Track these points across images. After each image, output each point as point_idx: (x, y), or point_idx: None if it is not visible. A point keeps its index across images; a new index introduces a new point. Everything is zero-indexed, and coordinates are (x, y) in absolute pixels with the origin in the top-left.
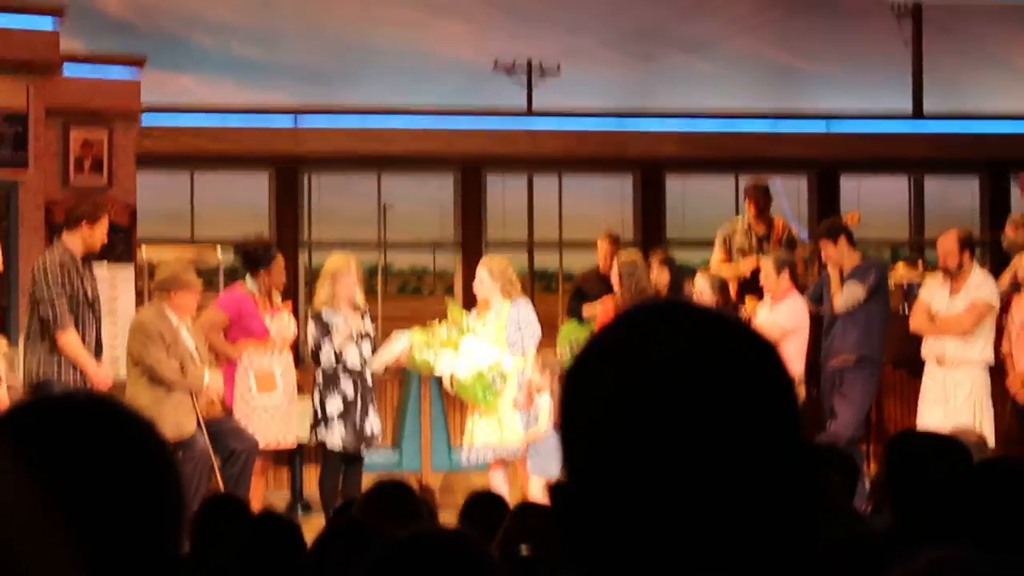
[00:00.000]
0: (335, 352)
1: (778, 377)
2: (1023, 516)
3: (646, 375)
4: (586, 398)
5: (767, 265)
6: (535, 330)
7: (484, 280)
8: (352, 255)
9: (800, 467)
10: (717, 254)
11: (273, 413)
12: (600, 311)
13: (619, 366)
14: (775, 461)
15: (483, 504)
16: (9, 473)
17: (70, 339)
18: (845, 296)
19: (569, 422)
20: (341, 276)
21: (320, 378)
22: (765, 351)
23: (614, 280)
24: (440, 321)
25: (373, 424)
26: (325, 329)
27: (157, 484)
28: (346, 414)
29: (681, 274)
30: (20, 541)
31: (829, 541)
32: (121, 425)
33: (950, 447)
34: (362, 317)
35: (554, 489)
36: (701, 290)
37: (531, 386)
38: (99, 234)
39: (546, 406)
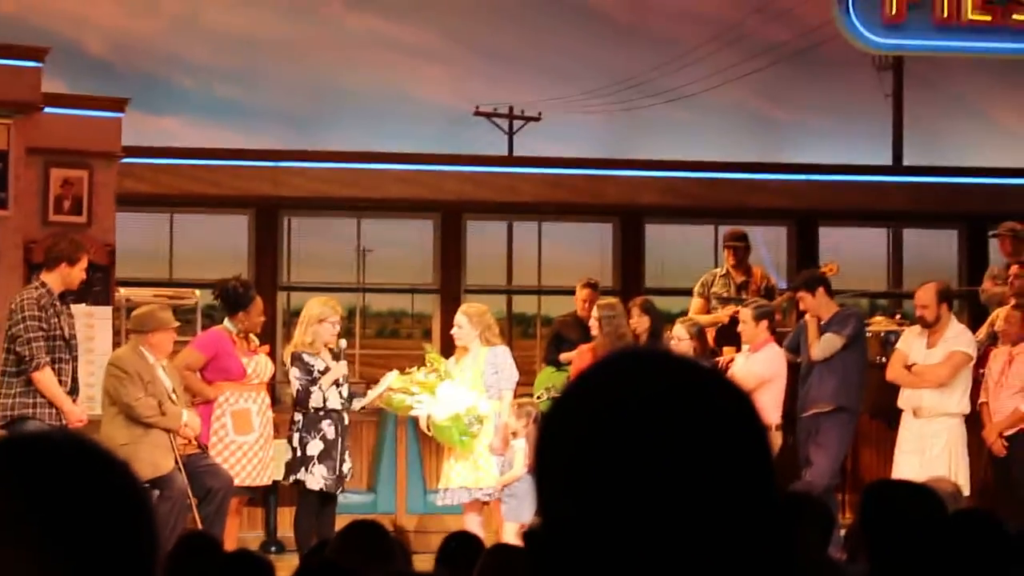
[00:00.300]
0: (323, 395)
1: (753, 426)
2: (994, 567)
3: (621, 421)
4: (561, 442)
5: (746, 314)
6: (512, 374)
7: (463, 326)
8: (335, 301)
9: (774, 515)
10: (696, 302)
11: (248, 453)
12: (577, 358)
13: (594, 412)
14: (749, 509)
15: (460, 544)
16: None
17: (46, 377)
18: (823, 345)
19: (544, 466)
20: (327, 320)
21: (301, 420)
22: (740, 400)
23: (593, 326)
24: (419, 367)
25: (348, 464)
26: (308, 371)
27: (131, 523)
28: (326, 455)
29: (661, 321)
30: None
31: None
32: (96, 464)
33: (925, 496)
34: (338, 360)
35: (529, 534)
36: (679, 337)
37: (507, 430)
38: (78, 274)
39: (521, 451)
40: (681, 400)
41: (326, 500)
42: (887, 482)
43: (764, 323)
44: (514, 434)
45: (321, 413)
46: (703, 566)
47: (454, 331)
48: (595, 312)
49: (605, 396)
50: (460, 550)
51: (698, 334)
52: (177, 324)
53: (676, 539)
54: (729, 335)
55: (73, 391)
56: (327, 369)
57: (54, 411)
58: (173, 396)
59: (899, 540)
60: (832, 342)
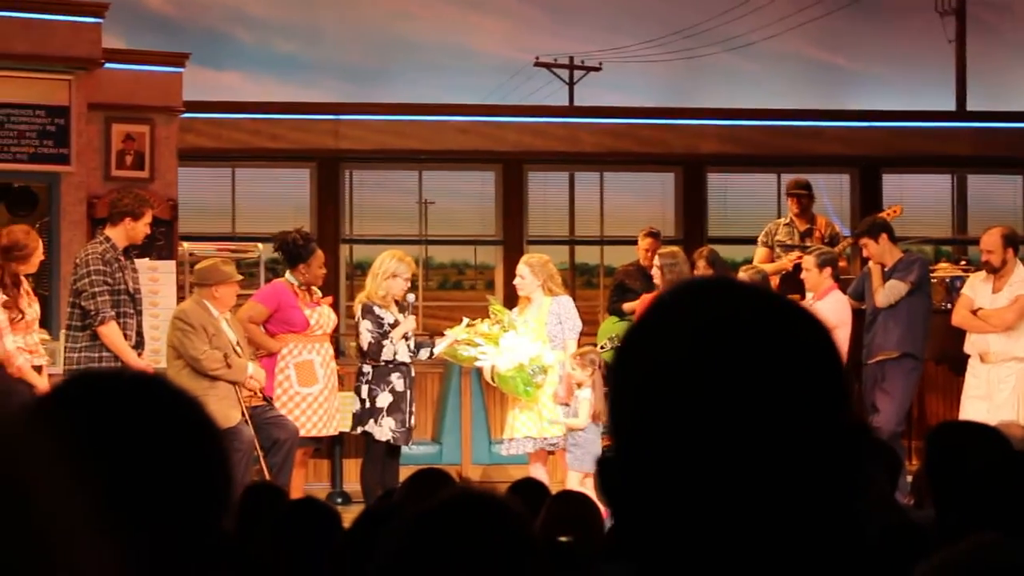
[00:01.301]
0: (393, 347)
1: (831, 357)
2: None
3: (697, 349)
4: (637, 371)
5: (809, 262)
6: (576, 324)
7: (525, 276)
8: (409, 257)
9: (851, 447)
10: (760, 251)
11: (314, 404)
12: (640, 307)
13: (670, 340)
14: (826, 440)
15: (527, 490)
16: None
17: (111, 331)
18: (887, 292)
19: (619, 396)
20: (400, 276)
21: (370, 371)
22: (819, 330)
23: (655, 274)
24: (483, 319)
25: (413, 418)
26: (379, 324)
27: (205, 459)
28: (395, 408)
29: (725, 271)
30: (51, 516)
31: (874, 528)
32: (169, 401)
33: (991, 438)
34: (405, 313)
35: (603, 463)
36: None
37: (571, 379)
38: (142, 228)
39: (586, 400)
40: (759, 326)
41: (392, 452)
42: (953, 424)
43: (828, 270)
44: (578, 384)
45: (391, 366)
46: (778, 496)
47: (516, 281)
48: (656, 260)
49: (681, 323)
50: (527, 496)
51: (763, 281)
52: (240, 277)
53: (750, 467)
54: (793, 283)
55: (138, 345)
56: (396, 323)
57: (120, 365)
58: (238, 349)
59: (964, 483)
60: (897, 288)
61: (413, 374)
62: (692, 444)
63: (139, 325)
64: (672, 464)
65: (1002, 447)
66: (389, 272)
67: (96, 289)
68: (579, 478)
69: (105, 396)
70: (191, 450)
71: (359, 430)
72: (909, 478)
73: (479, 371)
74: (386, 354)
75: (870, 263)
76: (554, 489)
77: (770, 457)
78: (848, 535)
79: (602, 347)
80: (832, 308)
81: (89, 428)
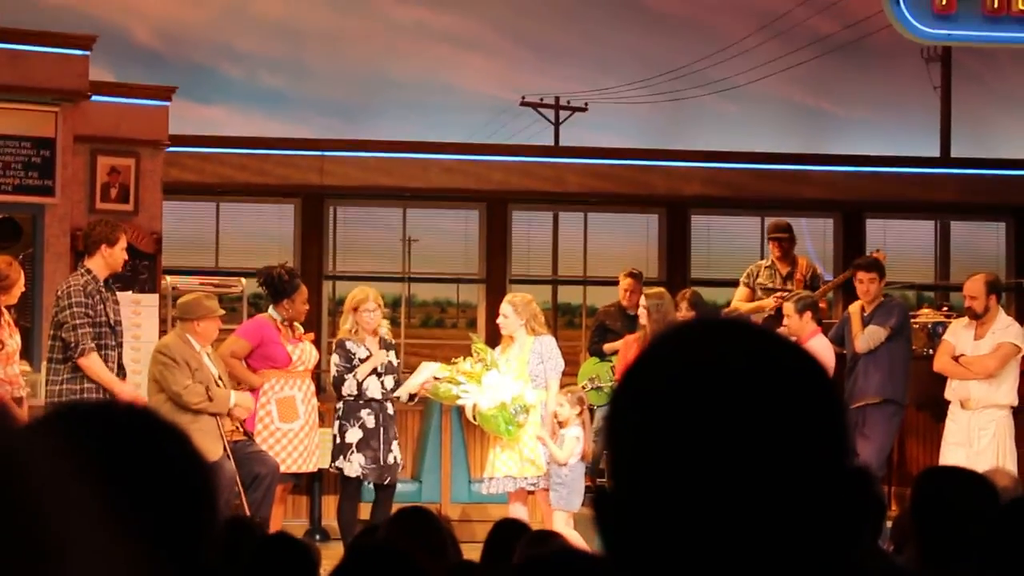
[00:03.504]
0: (357, 382)
1: (830, 398)
2: None
3: (695, 390)
4: (635, 411)
5: (789, 308)
6: (558, 363)
7: (509, 315)
8: (373, 288)
9: (847, 487)
10: (741, 291)
11: (294, 440)
12: (622, 348)
13: (668, 380)
14: (827, 484)
15: (507, 530)
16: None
17: (92, 362)
18: (867, 337)
19: (616, 435)
20: (362, 308)
21: (342, 407)
22: (818, 372)
23: (641, 315)
24: (465, 357)
25: (396, 453)
26: (348, 358)
27: (193, 492)
28: (365, 444)
29: (708, 313)
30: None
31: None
32: (158, 433)
33: (978, 484)
34: (387, 350)
35: (599, 499)
36: None
37: (555, 419)
38: (119, 254)
39: (573, 438)
40: (758, 365)
41: (380, 488)
42: (941, 469)
43: (808, 314)
44: (563, 423)
45: (361, 402)
46: (774, 535)
47: (500, 320)
48: (643, 301)
49: (680, 360)
50: (508, 536)
51: None
52: (222, 312)
53: (747, 505)
54: (774, 326)
55: (120, 376)
56: (370, 356)
57: (104, 395)
58: (219, 382)
59: (951, 528)
60: (876, 334)
61: (391, 411)
62: (690, 487)
63: (119, 357)
64: (669, 506)
65: (990, 495)
66: (351, 305)
67: (77, 321)
68: (565, 518)
69: (91, 428)
70: (179, 483)
71: (331, 466)
72: (889, 523)
73: (460, 409)
74: (347, 388)
75: (850, 308)
76: (534, 528)
77: (769, 500)
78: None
79: (583, 387)
80: (817, 352)
81: (76, 458)
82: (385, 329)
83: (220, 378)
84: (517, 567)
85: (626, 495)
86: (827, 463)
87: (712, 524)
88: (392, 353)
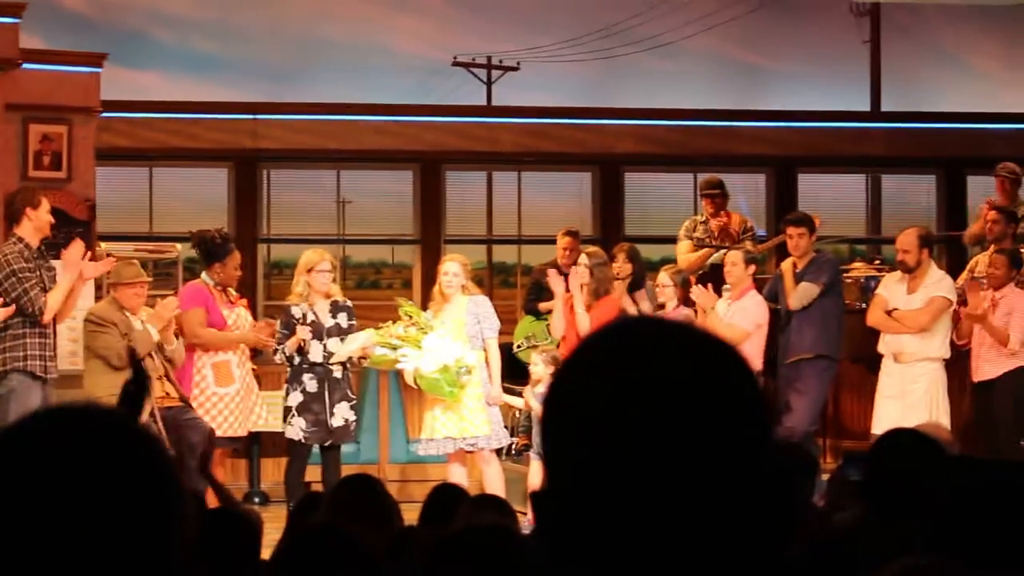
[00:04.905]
0: (285, 356)
1: (751, 390)
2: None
3: (624, 392)
4: (566, 412)
5: (737, 257)
6: (494, 323)
7: (459, 274)
8: (324, 250)
9: (772, 473)
10: (684, 244)
11: (230, 405)
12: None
13: (598, 382)
14: (749, 466)
15: (446, 496)
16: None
17: (54, 310)
18: (800, 294)
19: (550, 434)
20: (316, 268)
21: (289, 371)
22: (742, 368)
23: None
24: (394, 321)
25: (345, 415)
26: (288, 325)
27: (161, 500)
28: (305, 407)
29: (644, 268)
30: None
31: (800, 539)
32: (126, 440)
33: (932, 447)
34: (335, 312)
35: (536, 496)
36: (663, 284)
37: (500, 382)
38: (44, 216)
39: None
40: (684, 367)
41: (327, 450)
42: (898, 432)
43: (752, 268)
44: (535, 382)
45: (304, 366)
46: (706, 523)
47: (446, 278)
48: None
49: (606, 366)
50: (447, 501)
51: (682, 282)
52: (148, 278)
53: (679, 498)
54: (711, 281)
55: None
56: (314, 319)
57: (45, 364)
58: (154, 355)
59: (900, 489)
60: (809, 291)
61: (337, 374)
62: (621, 484)
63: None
64: (605, 495)
65: (939, 455)
66: (303, 267)
67: (25, 286)
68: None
69: (60, 435)
70: (146, 490)
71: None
72: (825, 476)
73: (398, 371)
74: (277, 359)
75: (782, 265)
76: (472, 488)
77: (702, 494)
78: (775, 555)
79: (518, 346)
80: (750, 310)
81: (43, 467)
82: (337, 290)
83: (160, 345)
84: (455, 536)
85: (559, 491)
86: (755, 454)
87: (648, 517)
88: (344, 315)
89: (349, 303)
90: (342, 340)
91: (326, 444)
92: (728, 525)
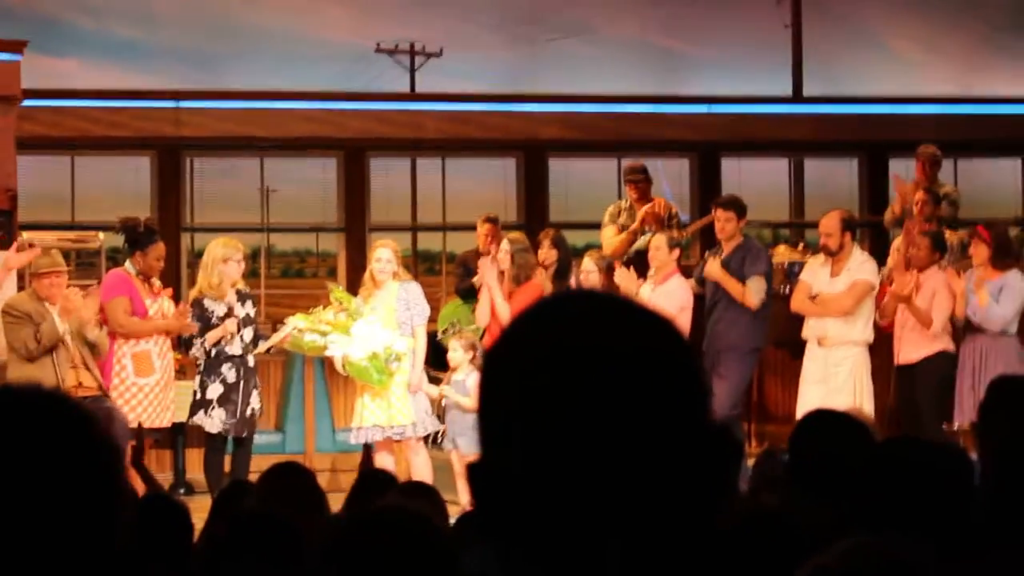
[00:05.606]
0: (205, 350)
1: (691, 366)
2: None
3: (559, 361)
4: (503, 386)
5: (661, 240)
6: (424, 309)
7: (391, 260)
8: (236, 239)
9: (707, 443)
10: (610, 229)
11: (150, 395)
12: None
13: (532, 353)
14: (684, 438)
15: (374, 482)
16: None
17: None
18: (755, 292)
19: (486, 405)
20: (233, 259)
21: (203, 363)
22: (679, 341)
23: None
24: (324, 306)
25: (255, 405)
26: (204, 318)
27: (98, 478)
28: (226, 399)
29: (569, 254)
30: None
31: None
32: (62, 418)
33: (857, 429)
34: (243, 301)
35: (472, 468)
36: (588, 270)
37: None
38: None
39: (473, 386)
40: (622, 337)
41: (239, 441)
42: (820, 413)
43: (676, 252)
44: (453, 368)
45: (222, 357)
46: (644, 494)
47: (379, 266)
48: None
49: (543, 338)
50: (374, 487)
51: (607, 268)
52: (65, 268)
53: (614, 470)
54: (635, 265)
55: None
56: (230, 312)
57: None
58: (67, 342)
59: (825, 471)
60: (760, 284)
61: (252, 364)
62: (558, 455)
63: None
64: (539, 468)
65: (865, 438)
66: (219, 257)
67: None
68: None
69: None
70: (83, 469)
71: (191, 421)
72: (750, 461)
73: (322, 359)
74: (195, 352)
75: (708, 253)
76: (401, 477)
77: (633, 455)
78: (707, 533)
79: (444, 331)
80: (675, 292)
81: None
82: (240, 280)
83: (67, 334)
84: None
85: (495, 465)
86: (691, 428)
87: (585, 488)
88: (249, 303)
89: (249, 291)
90: (253, 329)
91: (242, 435)
92: (665, 495)
